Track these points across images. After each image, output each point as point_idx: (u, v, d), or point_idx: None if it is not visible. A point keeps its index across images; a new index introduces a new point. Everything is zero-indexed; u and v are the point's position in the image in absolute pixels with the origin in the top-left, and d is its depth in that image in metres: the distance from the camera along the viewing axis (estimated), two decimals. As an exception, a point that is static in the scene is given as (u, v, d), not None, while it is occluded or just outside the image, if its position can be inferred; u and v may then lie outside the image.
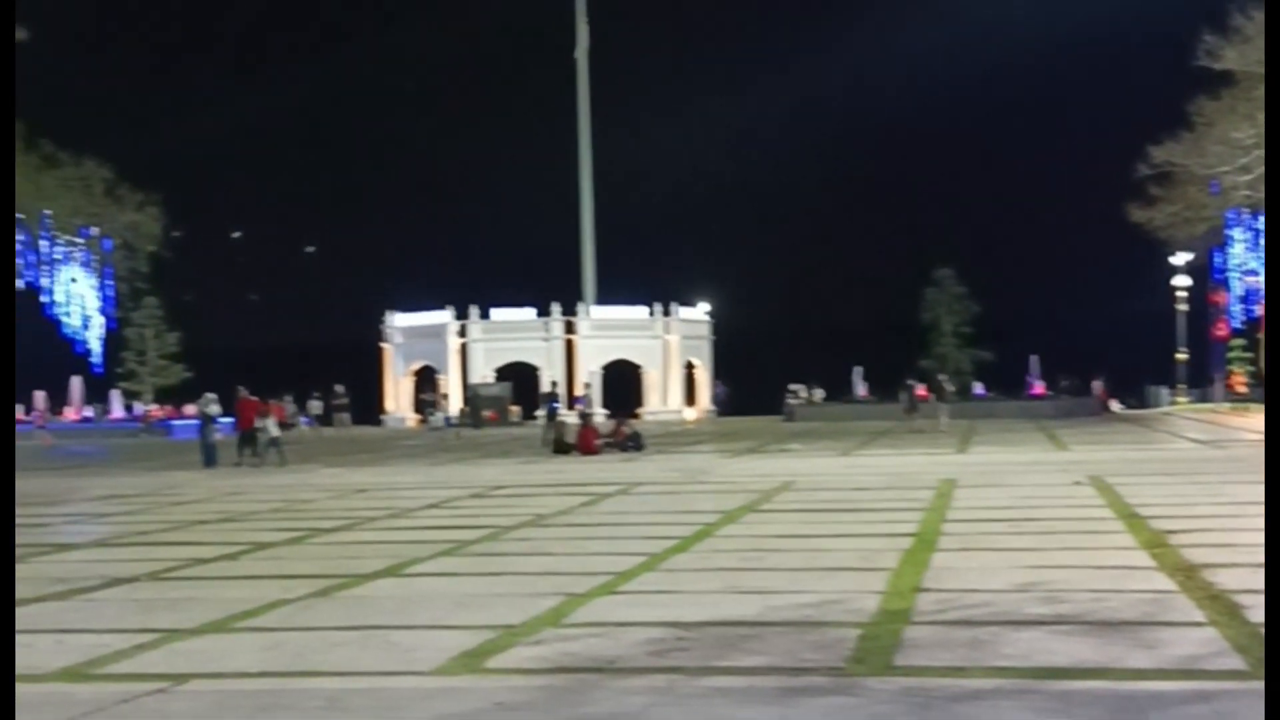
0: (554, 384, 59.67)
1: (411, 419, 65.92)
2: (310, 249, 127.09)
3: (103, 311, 60.15)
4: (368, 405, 66.89)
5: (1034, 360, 65.07)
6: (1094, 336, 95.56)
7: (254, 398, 37.52)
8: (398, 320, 69.02)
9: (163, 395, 70.28)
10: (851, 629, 9.81)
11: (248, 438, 35.83)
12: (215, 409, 36.15)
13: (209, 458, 34.06)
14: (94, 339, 59.74)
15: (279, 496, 24.25)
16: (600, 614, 10.85)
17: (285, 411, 49.70)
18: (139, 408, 67.73)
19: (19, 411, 66.45)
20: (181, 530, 19.02)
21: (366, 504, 22.42)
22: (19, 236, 56.93)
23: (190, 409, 55.61)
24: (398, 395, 68.53)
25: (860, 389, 65.94)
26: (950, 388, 51.25)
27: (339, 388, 64.86)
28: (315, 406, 64.44)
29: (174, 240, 60.46)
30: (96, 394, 68.20)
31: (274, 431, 35.05)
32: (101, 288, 59.58)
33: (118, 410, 67.95)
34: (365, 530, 18.33)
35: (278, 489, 26.15)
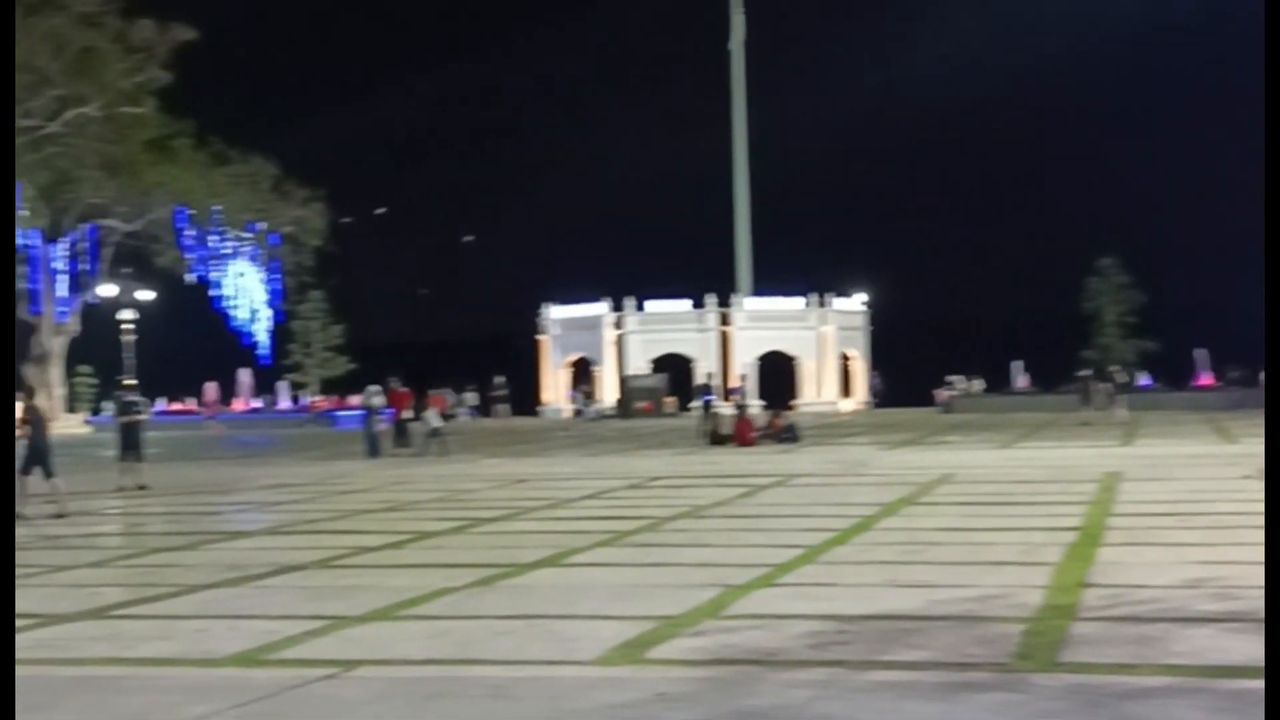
0: (709, 375, 59.67)
1: (568, 410, 66.45)
2: (469, 238, 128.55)
3: (270, 305, 61.78)
4: (525, 396, 67.58)
5: (1201, 351, 63.37)
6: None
7: (405, 389, 38.10)
8: (554, 312, 69.59)
9: (328, 386, 71.86)
10: (1015, 624, 9.68)
11: (400, 428, 36.48)
12: (379, 400, 36.83)
13: (373, 448, 34.70)
14: (261, 331, 61.37)
15: (441, 486, 24.65)
16: (760, 606, 10.85)
17: (445, 402, 50.44)
18: (305, 399, 69.29)
19: (190, 402, 68.49)
20: (348, 519, 19.45)
21: (526, 494, 22.68)
22: (190, 232, 58.70)
23: (354, 400, 56.72)
24: (555, 386, 69.14)
25: (1020, 380, 64.89)
26: (1123, 379, 50.25)
27: (498, 379, 65.70)
28: (471, 398, 65.41)
29: (338, 233, 61.73)
30: (264, 385, 69.93)
31: (435, 423, 35.59)
32: (268, 281, 61.18)
33: (284, 401, 69.59)
34: (525, 520, 18.57)
35: (440, 479, 26.57)
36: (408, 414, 36.91)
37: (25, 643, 10.19)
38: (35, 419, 22.05)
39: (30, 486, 21.01)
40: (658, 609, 10.67)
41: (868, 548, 14.47)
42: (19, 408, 22.97)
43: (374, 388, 37.60)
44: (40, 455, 21.29)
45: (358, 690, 8.19)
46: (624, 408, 59.59)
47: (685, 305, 67.20)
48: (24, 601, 12.35)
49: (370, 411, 36.49)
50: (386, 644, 9.72)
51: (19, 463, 21.15)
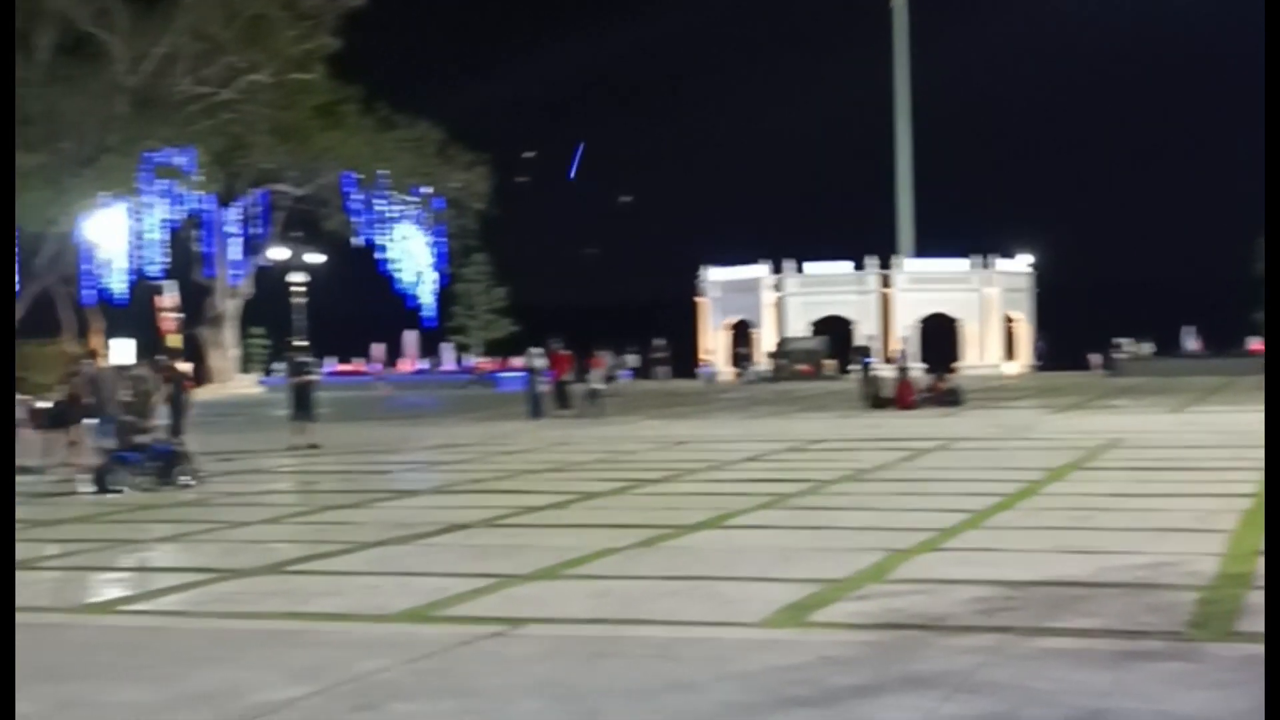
0: (869, 338, 59.18)
1: (728, 372, 66.48)
2: (626, 199, 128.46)
3: (435, 267, 62.75)
4: (684, 358, 67.78)
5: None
6: None
7: (566, 351, 38.40)
8: (714, 274, 69.57)
9: (490, 348, 72.81)
10: (1189, 592, 9.48)
11: (562, 390, 36.80)
12: (540, 362, 37.21)
13: (535, 409, 35.10)
14: (426, 294, 62.37)
15: (603, 447, 24.84)
16: (924, 570, 10.77)
17: (605, 364, 50.79)
18: (468, 360, 70.29)
19: (358, 363, 69.93)
20: (511, 479, 19.70)
21: (686, 456, 22.76)
22: (357, 196, 59.82)
23: (516, 361, 57.36)
24: (714, 348, 69.15)
25: (1191, 343, 63.28)
26: None
27: (658, 341, 65.97)
28: (632, 360, 65.78)
29: (501, 196, 62.33)
30: (429, 347, 71.09)
31: (597, 384, 35.86)
32: (433, 244, 62.14)
33: (449, 362, 70.65)
34: (686, 482, 18.64)
35: (601, 440, 26.78)
36: (569, 376, 37.24)
37: (206, 596, 10.56)
38: (176, 378, 22.77)
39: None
40: (821, 572, 10.64)
41: (1034, 513, 14.26)
42: (163, 368, 23.58)
43: (535, 350, 38.01)
44: (176, 414, 21.98)
45: (525, 648, 8.31)
46: (776, 371, 59.38)
47: (846, 267, 66.71)
48: (204, 556, 12.78)
49: (532, 373, 36.90)
50: (552, 603, 9.84)
51: (170, 425, 21.92)
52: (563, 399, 36.61)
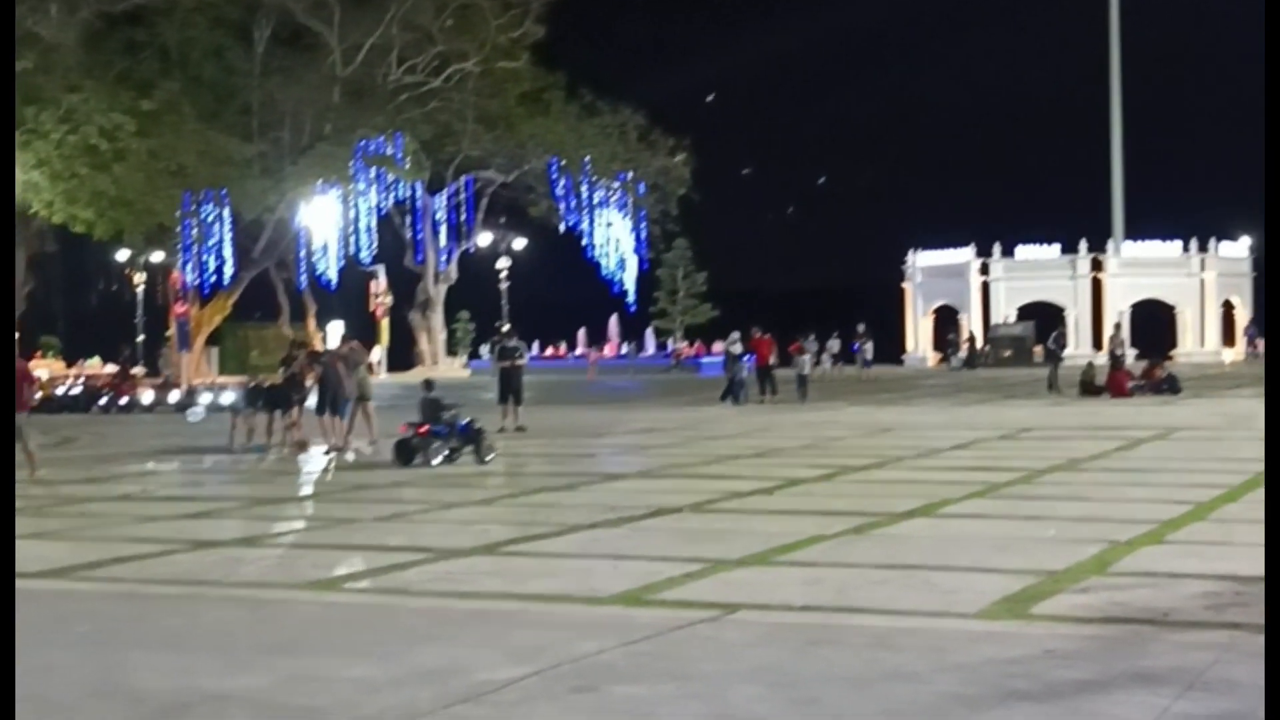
0: (1061, 326, 57.67)
1: (932, 358, 65.57)
2: (821, 180, 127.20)
3: (636, 252, 63.20)
4: (888, 344, 67.01)
5: None
6: None
7: (767, 336, 38.23)
8: (919, 259, 68.61)
9: (691, 333, 73.02)
10: None
11: (765, 375, 36.65)
12: (738, 348, 37.12)
13: (735, 394, 35.05)
14: (629, 279, 62.84)
15: (807, 433, 24.70)
16: (1147, 563, 10.47)
17: (806, 349, 50.48)
18: (670, 344, 70.59)
19: (561, 348, 70.77)
20: (717, 464, 19.70)
21: (893, 443, 22.51)
22: (562, 182, 60.50)
23: (718, 346, 57.39)
24: (917, 334, 68.28)
25: None
26: None
27: (861, 327, 65.38)
28: (834, 345, 65.29)
29: (702, 180, 62.41)
30: (629, 331, 71.61)
31: (804, 369, 35.72)
32: (635, 230, 62.55)
33: (650, 347, 71.05)
34: (894, 469, 18.43)
35: (805, 426, 26.63)
36: (772, 360, 37.11)
37: (424, 575, 10.77)
38: (325, 361, 23.46)
39: (338, 426, 22.57)
40: (1039, 563, 10.41)
41: (1261, 505, 13.73)
42: (305, 352, 24.40)
43: (735, 334, 37.92)
44: (333, 397, 22.70)
45: (740, 633, 8.30)
46: (970, 356, 58.29)
47: (1054, 251, 65.19)
48: (421, 536, 13.04)
49: (732, 358, 36.81)
50: (764, 588, 9.81)
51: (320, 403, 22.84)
52: (766, 384, 36.49)
